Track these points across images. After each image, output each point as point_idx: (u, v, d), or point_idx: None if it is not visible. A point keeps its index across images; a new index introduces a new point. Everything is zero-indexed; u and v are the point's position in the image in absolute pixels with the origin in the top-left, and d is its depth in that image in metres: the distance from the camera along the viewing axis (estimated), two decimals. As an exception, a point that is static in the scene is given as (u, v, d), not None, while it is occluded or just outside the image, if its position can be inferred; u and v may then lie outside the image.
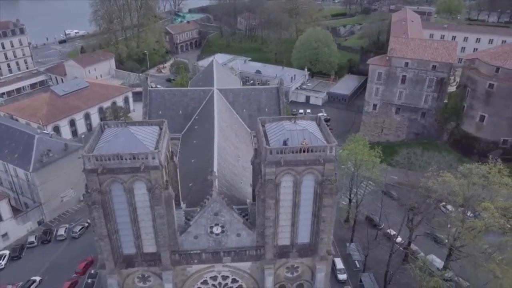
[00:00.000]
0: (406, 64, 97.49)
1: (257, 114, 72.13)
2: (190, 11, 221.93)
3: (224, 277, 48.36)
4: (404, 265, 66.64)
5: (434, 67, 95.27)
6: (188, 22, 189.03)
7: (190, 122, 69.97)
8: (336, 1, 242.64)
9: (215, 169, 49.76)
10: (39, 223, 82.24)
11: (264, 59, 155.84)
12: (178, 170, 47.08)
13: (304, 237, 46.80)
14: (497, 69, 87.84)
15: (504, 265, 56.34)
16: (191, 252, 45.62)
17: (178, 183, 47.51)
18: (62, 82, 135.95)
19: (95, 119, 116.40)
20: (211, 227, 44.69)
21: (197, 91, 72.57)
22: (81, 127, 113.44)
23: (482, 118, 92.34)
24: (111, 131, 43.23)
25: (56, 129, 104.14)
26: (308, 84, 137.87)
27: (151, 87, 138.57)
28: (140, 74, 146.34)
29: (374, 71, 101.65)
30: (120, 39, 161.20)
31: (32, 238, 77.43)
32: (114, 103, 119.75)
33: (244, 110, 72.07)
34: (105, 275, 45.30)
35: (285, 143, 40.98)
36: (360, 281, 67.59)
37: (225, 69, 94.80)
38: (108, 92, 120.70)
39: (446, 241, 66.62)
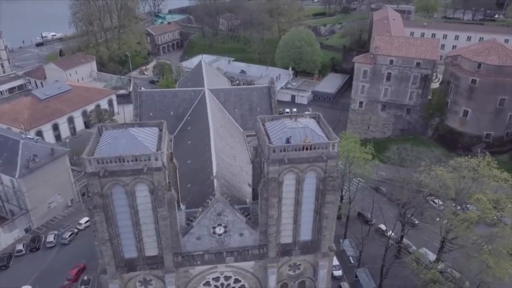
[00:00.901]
0: (391, 61, 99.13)
1: (249, 113, 72.38)
2: (170, 12, 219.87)
3: (227, 278, 48.18)
4: (400, 259, 67.75)
5: (418, 64, 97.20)
6: (169, 23, 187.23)
7: (182, 123, 69.42)
8: (316, 1, 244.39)
9: (215, 169, 49.56)
10: (27, 230, 79.98)
11: (247, 59, 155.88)
12: (177, 171, 46.64)
13: (306, 234, 47.03)
14: (479, 65, 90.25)
15: (494, 255, 57.96)
16: (194, 253, 45.27)
17: (178, 185, 47.06)
18: (42, 86, 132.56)
19: (79, 123, 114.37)
20: (214, 228, 44.43)
21: (188, 92, 72.08)
22: (65, 131, 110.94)
23: (465, 113, 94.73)
24: (110, 133, 42.47)
25: (39, 134, 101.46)
26: (293, 84, 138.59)
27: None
28: (123, 76, 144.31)
29: (360, 69, 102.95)
30: (101, 41, 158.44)
31: (20, 246, 75.21)
32: (98, 106, 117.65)
33: (236, 110, 71.96)
34: (106, 280, 44.44)
35: (287, 141, 41.08)
36: (356, 276, 68.36)
37: (213, 69, 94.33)
38: (91, 95, 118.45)
39: (439, 233, 67.96)
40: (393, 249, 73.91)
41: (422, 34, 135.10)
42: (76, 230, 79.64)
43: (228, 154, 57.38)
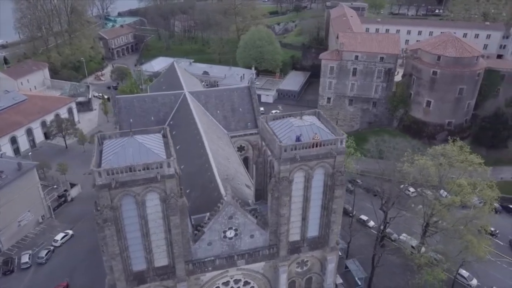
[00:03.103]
0: (356, 57, 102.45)
1: (231, 114, 71.95)
2: (120, 14, 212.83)
3: (236, 281, 47.67)
4: (384, 247, 70.25)
5: (381, 58, 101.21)
6: (122, 26, 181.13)
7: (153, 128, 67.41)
8: (266, 0, 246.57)
9: (216, 172, 48.89)
10: (-4, 253, 74.51)
11: (207, 60, 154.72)
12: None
13: (313, 230, 47.64)
14: (439, 57, 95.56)
15: (474, 235, 61.86)
16: (205, 259, 44.38)
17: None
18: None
19: (39, 134, 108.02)
20: (224, 232, 43.81)
21: (168, 96, 70.30)
22: (24, 144, 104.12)
23: (428, 104, 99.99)
24: (113, 142, 40.59)
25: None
26: (257, 83, 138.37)
27: (93, 96, 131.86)
28: (78, 83, 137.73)
29: (327, 66, 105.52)
30: (51, 47, 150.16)
31: (-9, 271, 69.92)
32: (57, 115, 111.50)
33: (218, 112, 71.17)
34: (116, 296, 42.47)
35: (298, 139, 41.36)
36: (346, 267, 70.10)
37: (187, 72, 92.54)
38: (49, 104, 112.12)
39: (419, 219, 71.17)
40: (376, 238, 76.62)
41: (377, 30, 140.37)
42: (52, 248, 75.43)
43: (223, 156, 56.75)
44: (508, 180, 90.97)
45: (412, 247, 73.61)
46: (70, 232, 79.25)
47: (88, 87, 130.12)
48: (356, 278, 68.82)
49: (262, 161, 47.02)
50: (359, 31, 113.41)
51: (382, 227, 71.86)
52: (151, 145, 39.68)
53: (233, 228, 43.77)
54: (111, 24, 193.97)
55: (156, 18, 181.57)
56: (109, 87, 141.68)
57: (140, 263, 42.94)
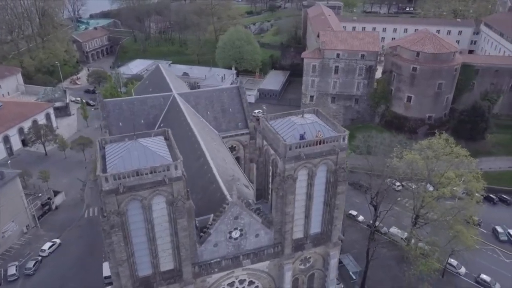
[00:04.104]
0: (338, 55, 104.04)
1: (222, 115, 71.78)
2: (92, 16, 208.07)
3: (241, 281, 47.61)
4: (375, 240, 71.48)
5: (362, 56, 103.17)
6: (95, 28, 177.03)
7: (155, 131, 66.55)
8: (240, 0, 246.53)
9: (216, 173, 48.67)
10: (-19, 266, 71.61)
11: (186, 61, 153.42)
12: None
13: (316, 227, 48.13)
14: (418, 53, 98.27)
15: (463, 225, 64.01)
16: (211, 261, 44.12)
17: (183, 193, 45.35)
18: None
19: (16, 142, 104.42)
20: (230, 232, 43.69)
21: (157, 98, 69.40)
22: (1, 152, 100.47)
23: (409, 99, 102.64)
24: (116, 147, 39.74)
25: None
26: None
27: (71, 100, 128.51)
28: (53, 88, 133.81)
29: (309, 64, 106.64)
30: (22, 51, 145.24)
31: (-23, 285, 67.21)
32: (35, 121, 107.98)
33: (209, 113, 70.83)
34: (122, 303, 41.61)
35: (302, 137, 41.70)
36: (340, 262, 71.01)
37: (172, 73, 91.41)
38: (26, 110, 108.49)
39: (408, 212, 72.96)
40: (368, 232, 78.12)
41: (353, 28, 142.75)
42: (40, 258, 73.27)
43: (219, 157, 56.53)
44: (486, 171, 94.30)
45: (402, 239, 75.61)
46: (58, 241, 77.13)
47: (65, 91, 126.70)
48: (351, 272, 69.99)
49: (263, 161, 47.12)
50: (339, 30, 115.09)
51: (374, 221, 73.34)
52: (156, 148, 39.13)
53: (239, 228, 43.69)
54: (83, 26, 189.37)
55: (130, 20, 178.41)
56: (87, 91, 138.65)
57: (146, 268, 42.27)
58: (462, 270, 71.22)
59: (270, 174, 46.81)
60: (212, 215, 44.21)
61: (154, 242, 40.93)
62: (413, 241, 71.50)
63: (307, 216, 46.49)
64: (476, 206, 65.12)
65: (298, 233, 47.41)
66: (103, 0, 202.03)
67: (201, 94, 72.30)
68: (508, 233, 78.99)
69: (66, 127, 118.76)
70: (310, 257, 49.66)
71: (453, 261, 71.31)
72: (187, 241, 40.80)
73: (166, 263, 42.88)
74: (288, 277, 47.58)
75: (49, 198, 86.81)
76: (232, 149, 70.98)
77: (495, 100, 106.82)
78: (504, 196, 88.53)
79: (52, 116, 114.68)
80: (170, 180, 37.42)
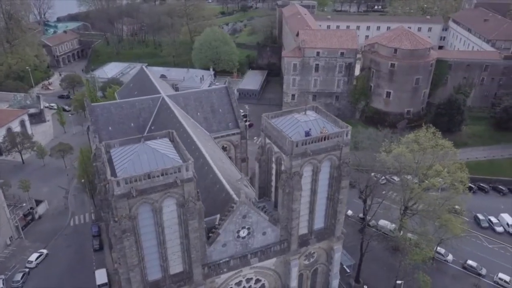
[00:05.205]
0: (318, 53, 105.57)
1: (212, 116, 71.64)
2: (60, 19, 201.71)
3: (248, 280, 47.73)
4: (365, 233, 73.01)
5: (342, 53, 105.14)
6: (65, 32, 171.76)
7: (145, 134, 65.59)
8: (210, 1, 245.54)
9: (218, 173, 48.58)
10: (-35, 282, 68.39)
11: (161, 63, 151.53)
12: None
13: (319, 222, 48.88)
14: (395, 50, 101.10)
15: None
16: (220, 261, 44.02)
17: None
18: None
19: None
20: (238, 231, 43.74)
21: (146, 101, 68.44)
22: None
23: (388, 94, 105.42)
24: (122, 150, 39.03)
25: None
26: (216, 83, 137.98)
27: (45, 106, 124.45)
28: (25, 94, 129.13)
29: (290, 63, 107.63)
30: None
31: (-37, 302, 64.22)
32: (9, 129, 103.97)
33: (199, 114, 70.48)
34: (133, 309, 40.87)
35: (307, 134, 42.26)
36: (333, 256, 72.19)
37: (156, 75, 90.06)
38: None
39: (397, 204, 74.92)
40: (357, 225, 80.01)
41: (328, 27, 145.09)
42: (27, 270, 70.72)
43: (217, 158, 56.37)
44: (464, 161, 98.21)
45: (391, 231, 77.58)
46: (45, 251, 74.71)
47: (38, 97, 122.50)
48: (345, 266, 71.20)
49: (265, 159, 47.40)
50: (317, 29, 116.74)
51: (366, 215, 75.05)
52: (165, 150, 38.72)
53: (246, 227, 43.80)
54: (52, 30, 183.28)
55: (101, 23, 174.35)
56: (61, 96, 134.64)
57: (156, 272, 41.74)
58: (450, 257, 73.93)
59: (273, 172, 47.16)
60: (218, 215, 44.15)
61: (164, 245, 40.49)
62: (401, 232, 73.55)
63: (312, 211, 47.14)
64: (463, 196, 67.76)
65: (303, 229, 47.98)
66: (70, 3, 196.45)
67: (190, 95, 71.79)
68: (489, 220, 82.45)
69: (42, 134, 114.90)
70: (314, 252, 50.34)
71: (440, 249, 73.76)
72: (198, 242, 40.57)
73: (176, 266, 42.48)
74: (294, 272, 48.08)
75: (31, 208, 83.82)
76: (223, 149, 70.86)
77: (468, 93, 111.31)
78: (482, 185, 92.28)
79: (27, 123, 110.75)
80: (181, 182, 37.12)
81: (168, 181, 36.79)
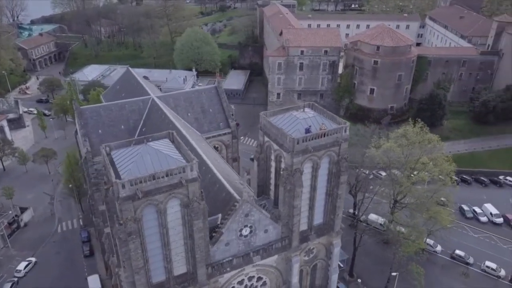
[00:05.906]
0: (302, 52, 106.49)
1: (203, 116, 71.26)
2: (33, 22, 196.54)
3: (250, 278, 47.83)
4: (355, 228, 74.21)
5: (326, 52, 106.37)
6: (40, 34, 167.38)
7: (136, 136, 64.77)
8: (188, 1, 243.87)
9: (217, 173, 48.46)
10: (-49, 295, 66.09)
11: (142, 64, 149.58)
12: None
13: (318, 218, 49.43)
14: (378, 47, 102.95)
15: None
16: (223, 260, 43.99)
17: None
18: None
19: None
20: (240, 230, 43.80)
21: (136, 102, 67.46)
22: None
23: (372, 91, 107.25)
24: (125, 152, 38.52)
25: None
26: (200, 84, 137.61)
27: (24, 111, 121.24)
28: (2, 99, 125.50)
29: (274, 62, 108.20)
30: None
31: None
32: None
33: (189, 114, 69.98)
34: (138, 312, 40.38)
35: (307, 131, 42.70)
36: (327, 252, 72.99)
37: (141, 77, 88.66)
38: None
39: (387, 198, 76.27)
40: (348, 220, 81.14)
41: (309, 25, 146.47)
42: (16, 279, 69.16)
43: (212, 157, 56.14)
44: (447, 154, 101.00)
45: (381, 225, 79.06)
46: (33, 259, 73.10)
47: (17, 102, 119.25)
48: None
49: (264, 157, 47.62)
50: (300, 27, 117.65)
51: (358, 210, 76.21)
52: (168, 151, 38.43)
53: (249, 225, 43.91)
54: (26, 33, 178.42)
55: (78, 25, 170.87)
56: (39, 101, 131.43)
57: (160, 274, 41.35)
58: (438, 248, 75.92)
59: (272, 170, 47.43)
60: (220, 215, 44.09)
61: (168, 246, 40.17)
62: (391, 226, 74.96)
63: (311, 207, 47.64)
64: (451, 188, 69.59)
65: (303, 225, 48.41)
66: (43, 5, 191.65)
67: (180, 96, 71.18)
68: (474, 210, 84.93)
69: (22, 139, 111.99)
70: (313, 248, 50.86)
71: (429, 241, 75.56)
72: (203, 242, 40.43)
73: (179, 267, 42.20)
74: (296, 269, 48.49)
75: (16, 216, 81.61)
76: (215, 149, 70.60)
77: (448, 89, 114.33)
78: (465, 177, 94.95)
79: (6, 129, 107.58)
80: (186, 182, 36.93)
81: (173, 181, 36.54)
